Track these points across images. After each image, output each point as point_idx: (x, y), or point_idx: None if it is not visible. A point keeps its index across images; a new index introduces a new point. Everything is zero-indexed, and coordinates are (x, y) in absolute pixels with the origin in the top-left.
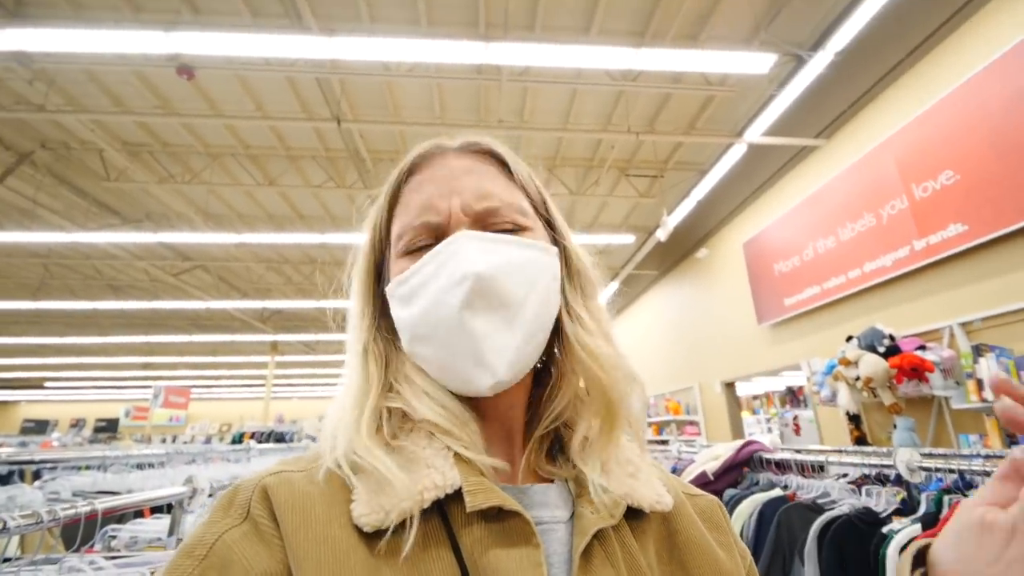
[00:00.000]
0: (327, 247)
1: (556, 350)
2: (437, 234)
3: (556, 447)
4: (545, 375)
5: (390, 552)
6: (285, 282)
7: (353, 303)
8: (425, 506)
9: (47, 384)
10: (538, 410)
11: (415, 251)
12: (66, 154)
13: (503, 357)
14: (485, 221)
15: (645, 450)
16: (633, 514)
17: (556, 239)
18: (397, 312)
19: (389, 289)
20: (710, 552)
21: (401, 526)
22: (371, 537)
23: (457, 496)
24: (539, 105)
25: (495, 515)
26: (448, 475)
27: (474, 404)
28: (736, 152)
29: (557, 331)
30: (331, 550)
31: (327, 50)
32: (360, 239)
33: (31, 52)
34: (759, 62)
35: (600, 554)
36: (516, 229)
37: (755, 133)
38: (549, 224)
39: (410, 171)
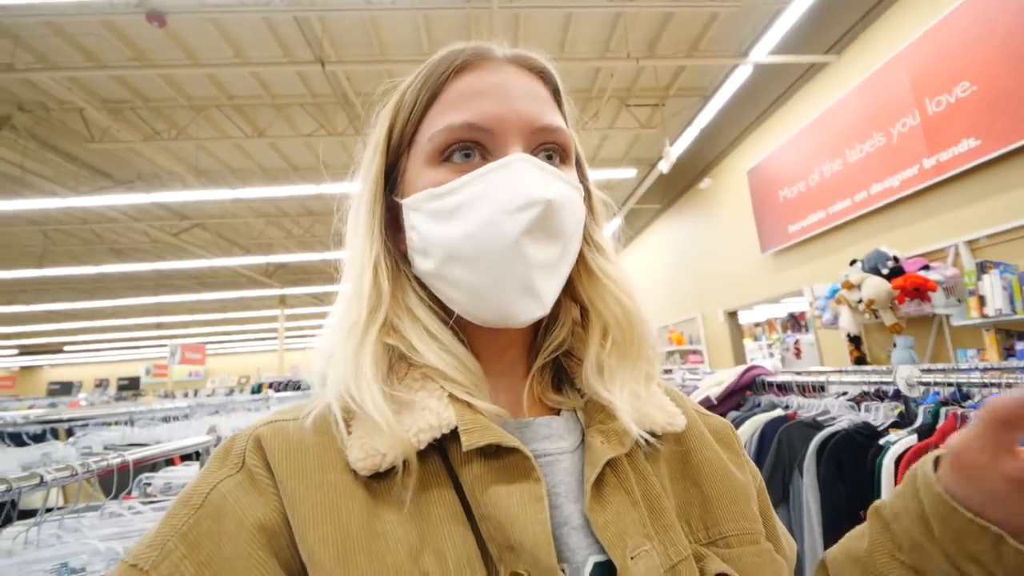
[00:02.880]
0: (323, 198)
1: None
2: (484, 145)
3: (562, 376)
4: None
5: (389, 495)
6: (286, 235)
7: (361, 208)
8: (421, 447)
9: (66, 348)
10: (535, 341)
11: (451, 159)
12: (46, 116)
13: (550, 288)
14: (535, 148)
15: (657, 376)
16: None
17: (580, 179)
18: (426, 227)
19: (414, 200)
20: (724, 469)
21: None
22: (369, 481)
23: (455, 436)
24: (532, 33)
25: (494, 452)
26: (443, 415)
27: (480, 342)
28: (741, 74)
29: None
30: (327, 495)
31: None
32: (375, 133)
33: None
34: None
35: (613, 481)
36: (559, 163)
37: (761, 52)
38: (576, 162)
39: (459, 69)
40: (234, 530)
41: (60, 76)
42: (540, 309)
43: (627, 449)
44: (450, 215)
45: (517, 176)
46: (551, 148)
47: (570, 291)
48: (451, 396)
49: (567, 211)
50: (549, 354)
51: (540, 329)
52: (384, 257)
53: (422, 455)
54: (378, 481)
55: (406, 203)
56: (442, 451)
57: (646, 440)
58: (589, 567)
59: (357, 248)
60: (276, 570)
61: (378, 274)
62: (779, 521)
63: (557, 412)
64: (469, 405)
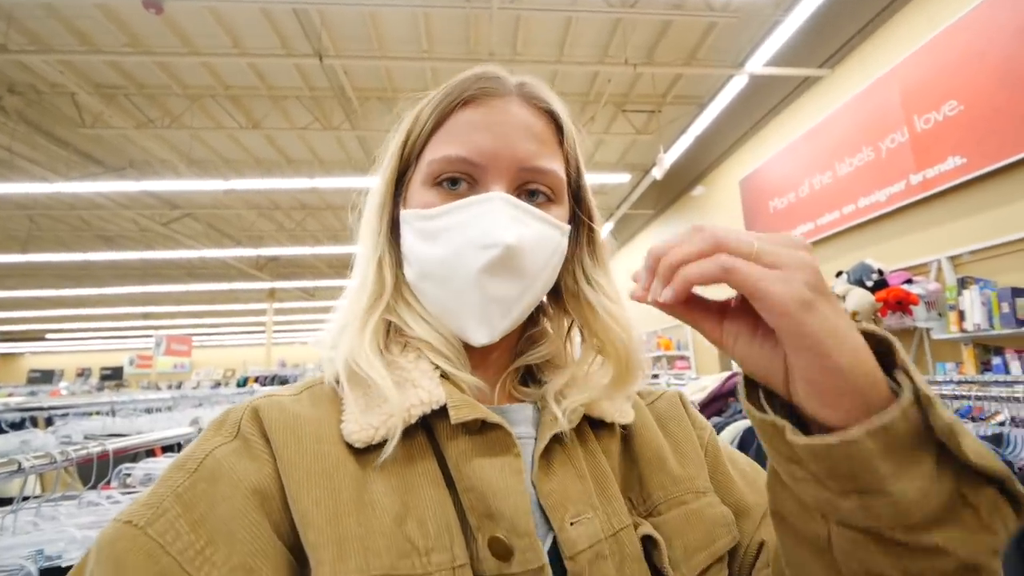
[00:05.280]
0: (317, 191)
1: (548, 303)
2: (472, 176)
3: (528, 374)
4: (529, 324)
5: (379, 465)
6: (277, 229)
7: (372, 210)
8: (412, 421)
9: (48, 336)
10: (518, 343)
11: (442, 185)
12: (37, 99)
13: (504, 320)
14: (522, 185)
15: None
16: (598, 425)
17: (579, 214)
18: (412, 242)
19: (407, 215)
20: (659, 448)
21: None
22: (360, 452)
23: (443, 412)
24: (532, 36)
25: (478, 428)
26: (434, 392)
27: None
28: (737, 84)
29: (554, 290)
30: (321, 464)
31: None
32: (393, 142)
33: None
34: None
35: (561, 457)
36: (546, 201)
37: (757, 63)
38: (575, 197)
39: (466, 100)
40: (229, 492)
41: (52, 59)
42: (488, 337)
43: (572, 425)
44: (430, 237)
45: (489, 216)
46: (537, 188)
47: (561, 306)
48: (441, 376)
49: (532, 254)
50: (532, 360)
51: (523, 337)
52: (388, 255)
53: (410, 431)
54: (368, 454)
55: (403, 215)
56: (428, 428)
57: (591, 423)
58: (549, 541)
59: (365, 246)
60: (268, 531)
61: (381, 270)
62: (742, 464)
63: (523, 403)
64: (457, 386)
